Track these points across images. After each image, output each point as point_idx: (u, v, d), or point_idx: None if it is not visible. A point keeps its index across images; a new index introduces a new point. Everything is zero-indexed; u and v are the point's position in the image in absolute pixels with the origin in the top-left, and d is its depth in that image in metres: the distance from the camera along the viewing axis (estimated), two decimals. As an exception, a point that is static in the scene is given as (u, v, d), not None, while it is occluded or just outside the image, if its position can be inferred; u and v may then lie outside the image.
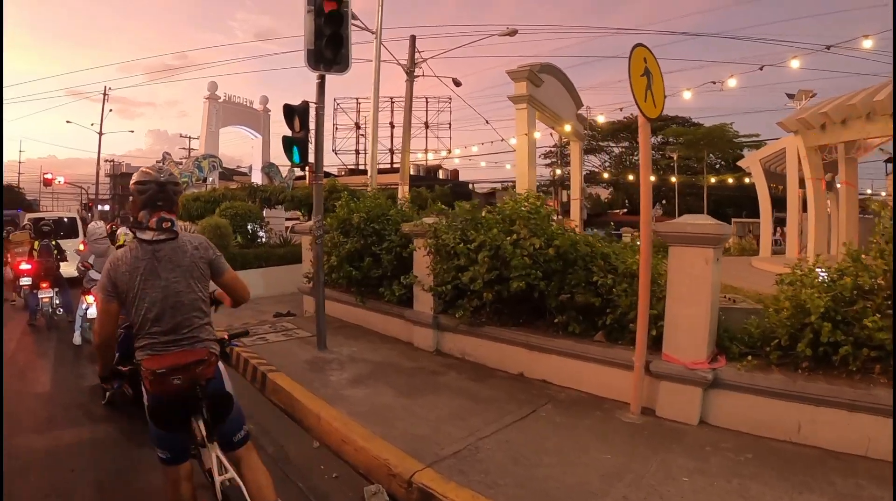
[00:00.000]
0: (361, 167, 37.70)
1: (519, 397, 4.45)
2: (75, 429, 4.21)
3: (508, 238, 4.82)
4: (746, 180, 28.11)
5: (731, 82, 11.30)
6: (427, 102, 36.71)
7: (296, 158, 5.64)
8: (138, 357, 2.31)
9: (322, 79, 5.68)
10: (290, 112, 5.66)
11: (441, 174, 36.70)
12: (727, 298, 4.87)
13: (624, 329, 4.51)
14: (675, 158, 30.62)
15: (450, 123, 39.17)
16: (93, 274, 6.63)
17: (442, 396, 4.50)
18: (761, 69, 10.46)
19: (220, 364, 2.50)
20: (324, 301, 5.95)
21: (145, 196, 2.33)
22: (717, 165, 36.70)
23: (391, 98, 36.89)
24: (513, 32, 14.01)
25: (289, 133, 5.72)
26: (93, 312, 6.26)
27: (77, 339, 6.83)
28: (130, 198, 2.40)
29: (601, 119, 18.76)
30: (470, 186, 37.55)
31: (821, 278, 3.85)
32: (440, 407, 4.22)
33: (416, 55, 14.10)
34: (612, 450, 3.42)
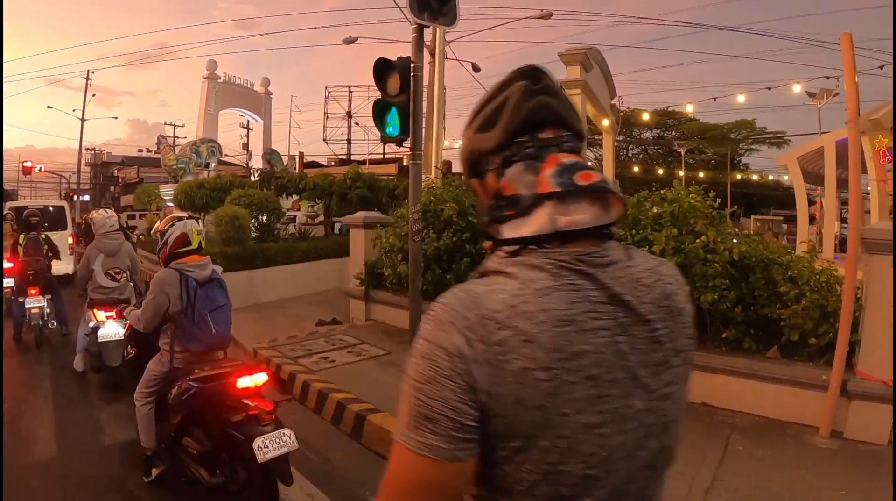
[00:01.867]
0: (353, 158, 36.47)
1: (695, 427, 3.66)
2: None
3: (698, 240, 3.95)
4: (770, 177, 27.86)
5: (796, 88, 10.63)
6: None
7: (393, 129, 4.42)
8: None
9: (420, 31, 4.49)
10: (384, 68, 4.41)
11: (436, 167, 35.82)
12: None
13: (799, 344, 3.91)
14: (682, 154, 30.18)
15: (444, 114, 38.25)
16: (101, 280, 5.06)
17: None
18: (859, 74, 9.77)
19: None
20: (421, 314, 4.95)
21: (510, 109, 0.78)
22: (712, 162, 36.51)
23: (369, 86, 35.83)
24: (548, 16, 13.17)
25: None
26: (104, 332, 4.74)
27: (79, 364, 5.31)
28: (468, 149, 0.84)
29: (689, 108, 18.24)
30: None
31: None
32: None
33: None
34: (837, 485, 3.06)
